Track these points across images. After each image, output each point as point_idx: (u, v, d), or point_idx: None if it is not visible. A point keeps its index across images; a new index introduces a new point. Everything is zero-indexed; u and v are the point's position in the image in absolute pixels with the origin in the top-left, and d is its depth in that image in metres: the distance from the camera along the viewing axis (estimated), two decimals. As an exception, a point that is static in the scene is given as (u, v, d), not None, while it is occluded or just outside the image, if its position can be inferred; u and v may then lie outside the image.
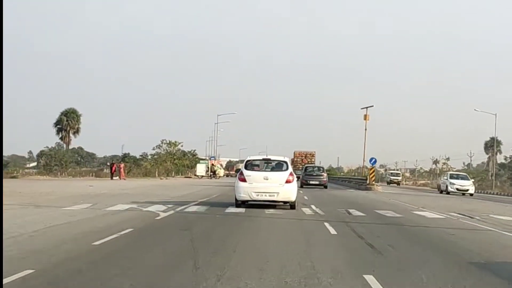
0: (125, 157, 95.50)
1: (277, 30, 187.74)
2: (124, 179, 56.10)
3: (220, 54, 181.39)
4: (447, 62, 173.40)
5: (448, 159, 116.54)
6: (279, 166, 19.84)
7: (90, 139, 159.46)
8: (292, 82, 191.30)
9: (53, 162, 68.20)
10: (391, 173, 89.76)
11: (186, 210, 18.67)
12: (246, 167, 19.68)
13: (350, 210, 20.36)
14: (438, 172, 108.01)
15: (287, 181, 19.18)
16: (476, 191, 49.07)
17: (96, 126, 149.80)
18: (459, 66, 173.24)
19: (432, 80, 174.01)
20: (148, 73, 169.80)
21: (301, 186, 44.31)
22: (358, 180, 50.87)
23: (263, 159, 20.46)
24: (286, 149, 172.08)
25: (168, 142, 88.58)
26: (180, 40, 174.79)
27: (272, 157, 20.33)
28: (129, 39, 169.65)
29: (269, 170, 19.89)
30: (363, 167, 54.02)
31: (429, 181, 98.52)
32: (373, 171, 44.93)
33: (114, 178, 55.57)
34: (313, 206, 21.81)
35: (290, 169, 19.84)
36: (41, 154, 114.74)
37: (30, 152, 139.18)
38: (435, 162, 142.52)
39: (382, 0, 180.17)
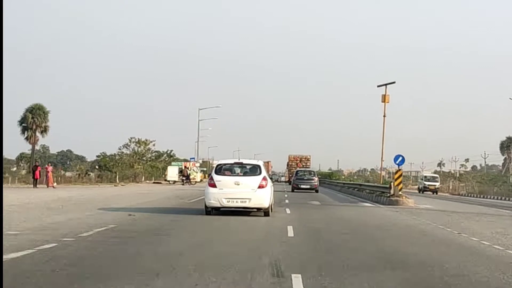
0: (102, 158, 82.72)
1: (276, 33, 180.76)
2: (53, 186, 41.22)
3: (220, 56, 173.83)
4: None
5: (467, 160, 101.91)
6: (252, 170, 18.75)
7: (84, 141, 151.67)
8: (290, 84, 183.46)
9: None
10: (425, 176, 66.86)
11: None
12: (216, 172, 18.68)
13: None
14: (457, 175, 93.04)
15: (260, 186, 18.09)
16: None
17: (90, 128, 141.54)
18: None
19: (432, 81, 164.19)
20: (144, 74, 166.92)
21: (292, 191, 44.35)
22: (375, 188, 35.43)
23: (235, 163, 19.45)
24: (283, 152, 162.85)
25: (137, 140, 73.37)
26: (177, 43, 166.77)
27: (245, 161, 19.78)
28: (123, 40, 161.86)
29: (242, 174, 18.76)
30: (381, 169, 38.67)
31: (442, 185, 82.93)
32: (401, 176, 29.75)
33: (39, 185, 40.76)
34: (296, 282, 7.09)
35: (264, 173, 18.62)
36: (20, 157, 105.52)
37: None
38: (441, 164, 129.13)
39: (381, 2, 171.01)
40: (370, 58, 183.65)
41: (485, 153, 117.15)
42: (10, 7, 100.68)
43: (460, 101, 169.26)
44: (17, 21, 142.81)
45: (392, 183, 29.32)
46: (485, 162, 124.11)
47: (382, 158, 34.96)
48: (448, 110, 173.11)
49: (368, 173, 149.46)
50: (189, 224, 15.95)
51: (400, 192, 29.15)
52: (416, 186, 76.37)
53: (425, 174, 69.66)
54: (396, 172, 30.05)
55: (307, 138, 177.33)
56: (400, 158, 30.20)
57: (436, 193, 60.68)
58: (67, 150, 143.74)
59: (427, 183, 63.20)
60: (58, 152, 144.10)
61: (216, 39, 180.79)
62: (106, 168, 70.60)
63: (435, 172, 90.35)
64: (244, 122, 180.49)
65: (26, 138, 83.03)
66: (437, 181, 64.55)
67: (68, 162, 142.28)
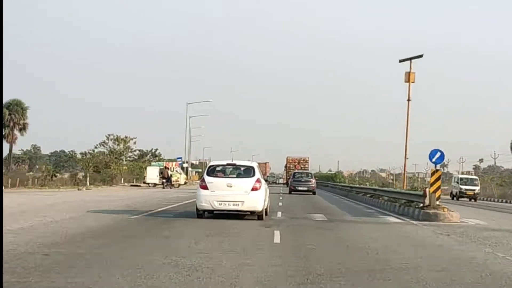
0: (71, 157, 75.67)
1: (275, 33, 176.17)
2: (-11, 191, 32.86)
3: (220, 56, 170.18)
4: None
5: (481, 160, 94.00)
6: (245, 172, 18.10)
7: (82, 142, 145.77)
8: (290, 84, 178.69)
9: None
10: (461, 179, 53.12)
11: None
12: (208, 173, 17.96)
13: None
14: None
15: (253, 189, 17.47)
16: None
17: (88, 129, 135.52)
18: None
19: (433, 81, 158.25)
20: (142, 75, 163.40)
21: (290, 192, 44.33)
22: (398, 195, 26.35)
23: (228, 164, 18.52)
24: (283, 153, 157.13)
25: (115, 137, 64.82)
26: (176, 43, 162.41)
27: (238, 162, 18.95)
28: (123, 43, 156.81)
29: (234, 176, 18.07)
30: (404, 169, 29.62)
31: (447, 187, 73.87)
32: (439, 179, 21.12)
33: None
34: None
35: (258, 175, 17.93)
36: (9, 158, 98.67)
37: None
38: (444, 165, 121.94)
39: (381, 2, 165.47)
40: (370, 58, 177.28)
41: (495, 153, 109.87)
42: (9, 7, 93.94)
43: (461, 102, 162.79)
44: (16, 20, 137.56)
45: (427, 190, 20.80)
46: (495, 162, 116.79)
47: (405, 155, 26.42)
48: (449, 110, 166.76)
49: (369, 174, 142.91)
50: (70, 274, 7.59)
51: (438, 202, 20.70)
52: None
53: (461, 176, 56.21)
54: (433, 174, 21.12)
55: (306, 139, 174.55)
56: (439, 154, 21.35)
57: (475, 200, 49.37)
58: (60, 151, 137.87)
59: (463, 187, 50.97)
60: (51, 153, 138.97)
61: (215, 39, 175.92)
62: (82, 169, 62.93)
63: (438, 174, 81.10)
64: (243, 122, 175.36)
65: (4, 137, 75.42)
66: (476, 185, 51.71)
67: (61, 164, 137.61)
